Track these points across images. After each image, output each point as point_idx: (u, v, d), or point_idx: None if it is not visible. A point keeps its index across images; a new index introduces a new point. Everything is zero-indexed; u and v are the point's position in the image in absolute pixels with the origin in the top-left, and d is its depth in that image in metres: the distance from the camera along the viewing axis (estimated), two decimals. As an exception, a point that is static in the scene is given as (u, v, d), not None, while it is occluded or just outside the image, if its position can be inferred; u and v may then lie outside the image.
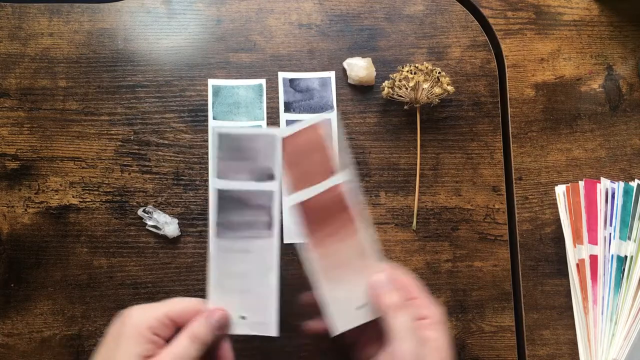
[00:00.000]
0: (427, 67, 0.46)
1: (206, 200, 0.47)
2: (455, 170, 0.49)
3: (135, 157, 0.47)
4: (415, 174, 0.48)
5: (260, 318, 0.39)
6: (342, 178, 0.38)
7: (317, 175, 0.38)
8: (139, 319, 0.35)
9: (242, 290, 0.39)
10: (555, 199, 0.48)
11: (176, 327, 0.36)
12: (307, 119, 0.38)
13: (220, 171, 0.39)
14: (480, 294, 0.47)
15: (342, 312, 0.39)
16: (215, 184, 0.39)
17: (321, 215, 0.39)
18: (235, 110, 0.49)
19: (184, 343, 0.35)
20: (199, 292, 0.46)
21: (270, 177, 0.39)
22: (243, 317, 0.39)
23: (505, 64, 0.51)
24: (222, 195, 0.39)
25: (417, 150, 0.48)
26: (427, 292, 0.37)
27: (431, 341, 0.34)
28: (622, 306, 0.45)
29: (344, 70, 0.49)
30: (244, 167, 0.39)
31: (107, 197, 0.47)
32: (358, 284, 0.39)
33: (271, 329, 0.39)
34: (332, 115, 0.48)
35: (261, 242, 0.39)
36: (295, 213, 0.38)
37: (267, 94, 0.49)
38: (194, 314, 0.36)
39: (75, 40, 0.49)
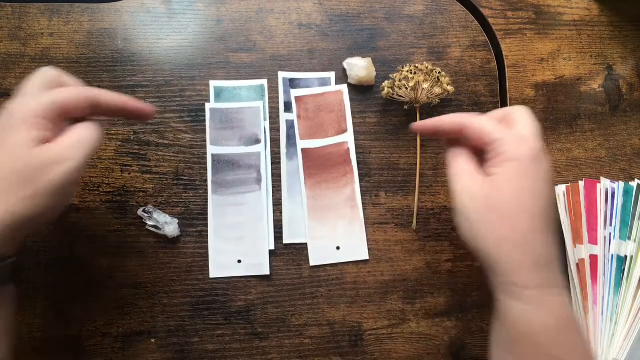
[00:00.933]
0: (427, 67, 0.46)
1: (206, 200, 0.47)
2: (455, 170, 0.49)
3: (135, 157, 0.47)
4: (415, 174, 0.48)
5: (255, 261, 0.46)
6: (350, 137, 0.48)
7: (330, 129, 0.48)
8: (26, 107, 0.33)
9: (237, 238, 0.46)
10: (555, 199, 0.48)
11: (66, 117, 0.35)
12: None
13: (214, 139, 0.47)
14: (480, 294, 0.47)
15: (321, 249, 0.46)
16: (210, 149, 0.47)
17: (323, 163, 0.47)
18: (235, 110, 0.50)
19: (89, 124, 0.35)
20: (199, 292, 0.46)
21: (257, 141, 0.47)
22: (239, 261, 0.46)
23: (505, 64, 0.51)
24: (216, 159, 0.47)
25: (417, 150, 0.48)
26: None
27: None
28: (622, 306, 0.45)
29: (344, 70, 0.49)
30: (234, 134, 0.47)
31: (107, 197, 0.47)
32: (340, 227, 0.47)
33: (264, 269, 0.46)
34: (344, 88, 0.50)
35: (252, 196, 0.47)
36: (302, 156, 0.47)
37: (267, 93, 0.49)
38: (83, 100, 0.35)
39: (75, 40, 0.49)
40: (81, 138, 0.35)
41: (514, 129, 0.36)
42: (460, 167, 0.36)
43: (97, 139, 0.36)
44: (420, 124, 0.40)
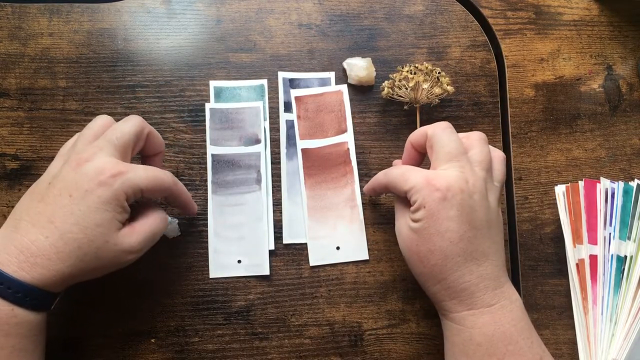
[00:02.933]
0: (427, 67, 0.46)
1: (206, 200, 0.47)
2: (455, 170, 0.49)
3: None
4: (415, 174, 0.48)
5: (254, 261, 0.46)
6: (350, 137, 0.48)
7: (330, 129, 0.48)
8: (133, 182, 0.35)
9: (237, 238, 0.46)
10: (555, 199, 0.48)
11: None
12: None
13: (214, 139, 0.47)
14: (480, 294, 0.47)
15: (321, 249, 0.46)
16: (210, 150, 0.47)
17: (323, 163, 0.47)
18: (235, 110, 0.50)
19: (162, 216, 0.39)
20: (199, 292, 0.46)
21: (257, 141, 0.47)
22: (239, 261, 0.46)
23: (505, 64, 0.51)
24: (216, 159, 0.47)
25: (417, 150, 0.48)
26: None
27: None
28: (622, 306, 0.45)
29: (344, 70, 0.49)
30: (234, 134, 0.47)
31: (107, 197, 0.46)
32: (340, 227, 0.47)
33: (264, 270, 0.46)
34: (344, 88, 0.50)
35: (252, 196, 0.46)
36: (302, 156, 0.47)
37: (267, 93, 0.49)
38: (165, 191, 0.38)
39: (75, 40, 0.49)
40: (154, 230, 0.38)
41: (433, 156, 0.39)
42: (397, 210, 0.41)
43: (163, 231, 0.39)
44: (365, 189, 0.45)
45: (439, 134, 0.38)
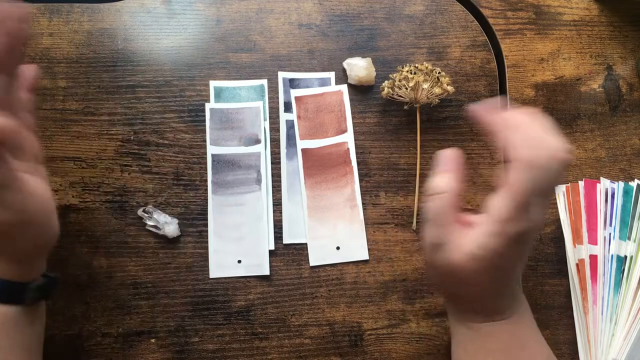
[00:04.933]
0: (427, 67, 0.46)
1: (206, 200, 0.47)
2: (455, 170, 0.49)
3: (135, 157, 0.47)
4: (415, 174, 0.48)
5: (255, 261, 0.46)
6: (350, 137, 0.48)
7: (330, 129, 0.48)
8: None
9: (237, 238, 0.46)
10: (555, 199, 0.48)
11: None
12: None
13: (214, 139, 0.47)
14: (480, 294, 0.47)
15: (321, 249, 0.46)
16: (210, 150, 0.47)
17: (323, 163, 0.47)
18: (235, 110, 0.50)
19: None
20: (199, 292, 0.46)
21: (257, 141, 0.47)
22: (239, 261, 0.46)
23: (505, 64, 0.51)
24: (216, 159, 0.47)
25: (417, 150, 0.48)
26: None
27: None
28: (622, 306, 0.45)
29: (344, 70, 0.49)
30: (234, 134, 0.47)
31: (107, 197, 0.47)
32: (340, 227, 0.47)
33: (264, 270, 0.46)
34: (344, 88, 0.50)
35: (252, 196, 0.47)
36: (302, 156, 0.47)
37: (267, 93, 0.49)
38: None
39: (75, 40, 0.49)
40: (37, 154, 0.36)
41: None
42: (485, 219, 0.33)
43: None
44: (478, 109, 0.35)
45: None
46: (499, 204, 0.31)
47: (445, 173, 0.35)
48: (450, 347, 0.47)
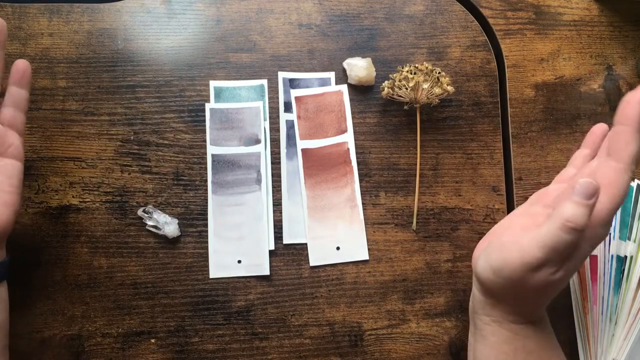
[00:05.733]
0: (427, 67, 0.46)
1: (206, 200, 0.47)
2: (455, 170, 0.49)
3: (135, 157, 0.47)
4: (415, 174, 0.48)
5: (255, 261, 0.46)
6: (350, 137, 0.48)
7: (330, 129, 0.48)
8: None
9: (237, 238, 0.46)
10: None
11: None
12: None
13: (214, 139, 0.47)
14: (480, 294, 0.47)
15: (321, 249, 0.46)
16: (210, 150, 0.47)
17: (323, 163, 0.47)
18: (235, 110, 0.50)
19: None
20: (199, 292, 0.46)
21: (257, 141, 0.47)
22: (239, 261, 0.46)
23: (505, 64, 0.51)
24: (216, 159, 0.47)
25: (417, 150, 0.48)
26: None
27: None
28: (622, 306, 0.45)
29: (344, 70, 0.49)
30: (234, 134, 0.47)
31: (107, 197, 0.47)
32: (340, 227, 0.47)
33: (264, 270, 0.46)
34: (344, 88, 0.50)
35: (252, 196, 0.47)
36: (302, 156, 0.47)
37: (267, 94, 0.49)
38: None
39: (75, 40, 0.49)
40: None
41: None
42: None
43: None
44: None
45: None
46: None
47: (590, 207, 0.33)
48: (453, 348, 0.47)
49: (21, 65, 0.40)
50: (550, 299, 0.37)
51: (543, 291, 0.35)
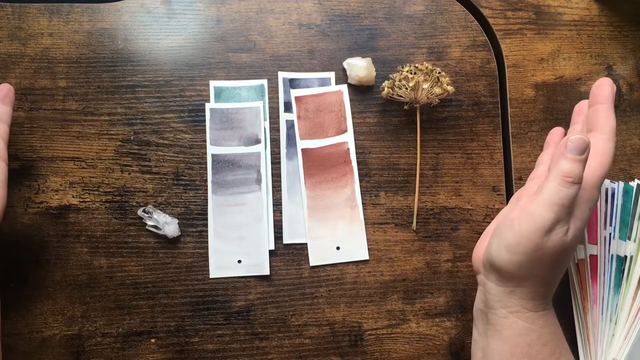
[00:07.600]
0: (427, 67, 0.46)
1: (206, 200, 0.47)
2: (455, 170, 0.49)
3: (135, 157, 0.47)
4: (415, 174, 0.48)
5: (255, 261, 0.46)
6: (350, 137, 0.48)
7: (330, 129, 0.48)
8: None
9: (237, 238, 0.46)
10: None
11: None
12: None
13: (214, 139, 0.47)
14: (480, 294, 0.47)
15: (321, 249, 0.46)
16: (210, 150, 0.47)
17: (323, 163, 0.48)
18: (235, 110, 0.50)
19: None
20: (199, 292, 0.46)
21: (257, 141, 0.47)
22: (239, 261, 0.46)
23: (505, 64, 0.51)
24: (216, 159, 0.47)
25: (417, 150, 0.48)
26: None
27: None
28: (622, 306, 0.45)
29: (344, 70, 0.49)
30: (234, 134, 0.47)
31: (107, 197, 0.47)
32: (340, 227, 0.47)
33: (264, 270, 0.46)
34: (344, 88, 0.50)
35: (252, 196, 0.47)
36: (302, 156, 0.48)
37: (267, 93, 0.49)
38: None
39: (75, 40, 0.49)
40: None
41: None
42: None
43: None
44: None
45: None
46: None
47: (583, 161, 0.36)
48: (453, 348, 0.47)
49: (4, 87, 0.42)
50: (564, 270, 0.40)
51: (558, 257, 0.37)
